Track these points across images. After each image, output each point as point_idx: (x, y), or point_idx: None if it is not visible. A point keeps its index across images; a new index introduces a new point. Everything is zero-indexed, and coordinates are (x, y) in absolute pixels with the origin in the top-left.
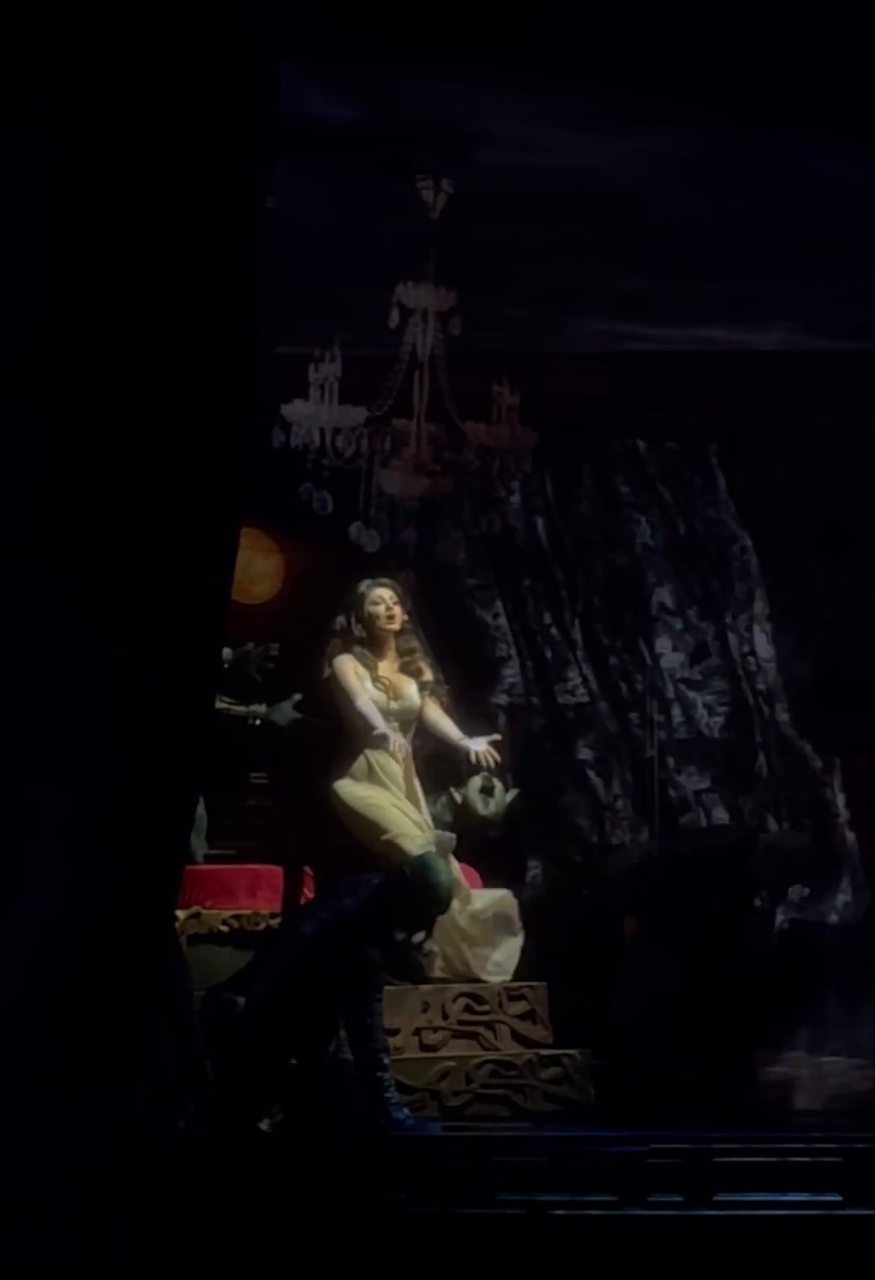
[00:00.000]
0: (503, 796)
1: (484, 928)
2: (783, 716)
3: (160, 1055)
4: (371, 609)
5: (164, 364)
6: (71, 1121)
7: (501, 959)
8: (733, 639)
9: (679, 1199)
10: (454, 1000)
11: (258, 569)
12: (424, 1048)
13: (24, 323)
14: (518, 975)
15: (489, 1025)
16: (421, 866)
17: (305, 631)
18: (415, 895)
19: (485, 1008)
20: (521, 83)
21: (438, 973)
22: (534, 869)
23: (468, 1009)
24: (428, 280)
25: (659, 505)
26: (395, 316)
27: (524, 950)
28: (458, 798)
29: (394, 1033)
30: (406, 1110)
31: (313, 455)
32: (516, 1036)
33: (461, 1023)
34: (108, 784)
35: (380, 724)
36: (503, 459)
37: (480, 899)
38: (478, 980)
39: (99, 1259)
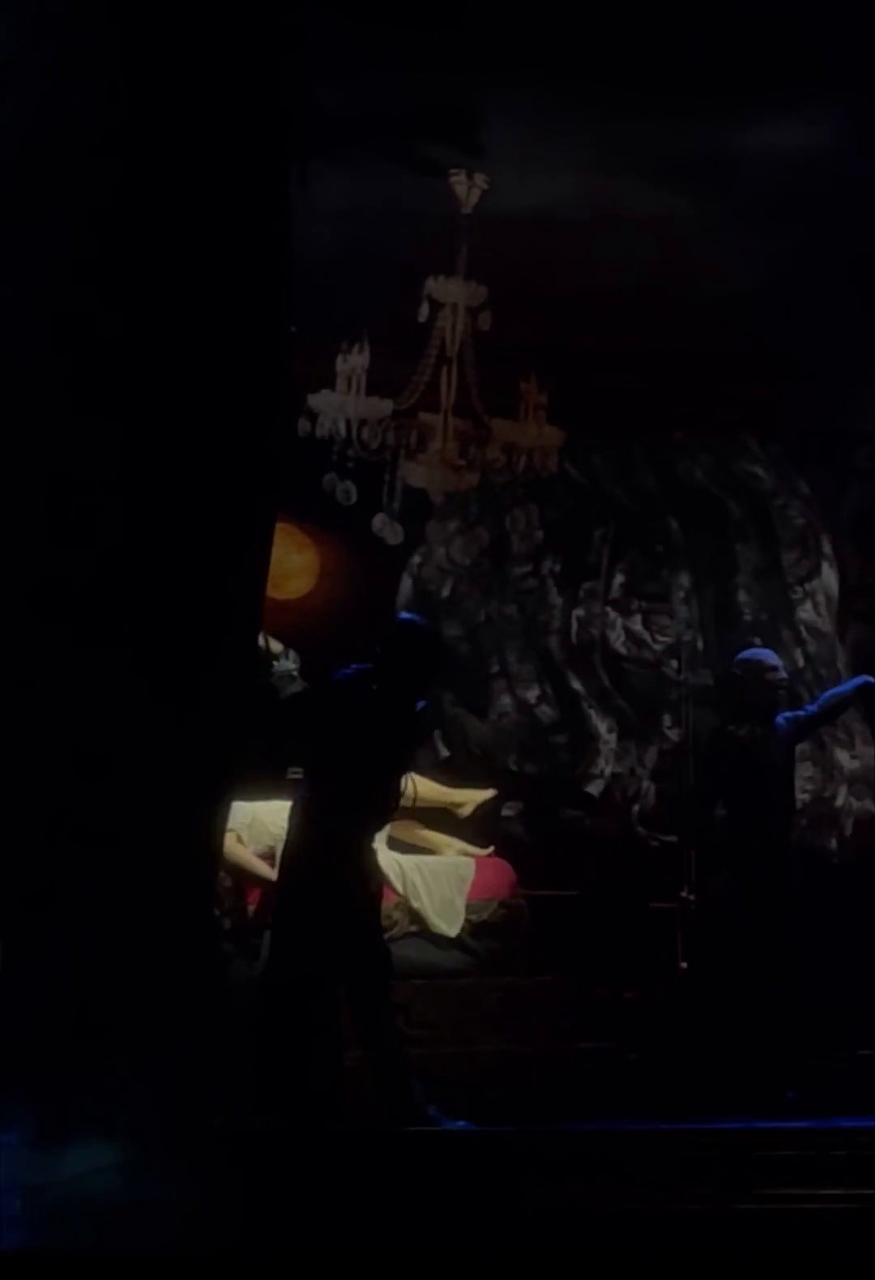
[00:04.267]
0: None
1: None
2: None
3: (204, 1053)
4: None
5: (198, 354)
6: (117, 1116)
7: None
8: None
9: (716, 1193)
10: (489, 993)
11: (292, 564)
12: (460, 1042)
13: (58, 318)
14: (551, 968)
15: (524, 1018)
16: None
17: (332, 624)
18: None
19: (520, 1001)
20: (549, 76)
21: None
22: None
23: (502, 1003)
24: (458, 274)
25: (695, 496)
26: (425, 310)
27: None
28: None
29: (431, 1026)
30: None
31: (338, 446)
32: (552, 1030)
33: (497, 1016)
34: (146, 782)
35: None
36: (529, 456)
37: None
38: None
39: (139, 1253)
